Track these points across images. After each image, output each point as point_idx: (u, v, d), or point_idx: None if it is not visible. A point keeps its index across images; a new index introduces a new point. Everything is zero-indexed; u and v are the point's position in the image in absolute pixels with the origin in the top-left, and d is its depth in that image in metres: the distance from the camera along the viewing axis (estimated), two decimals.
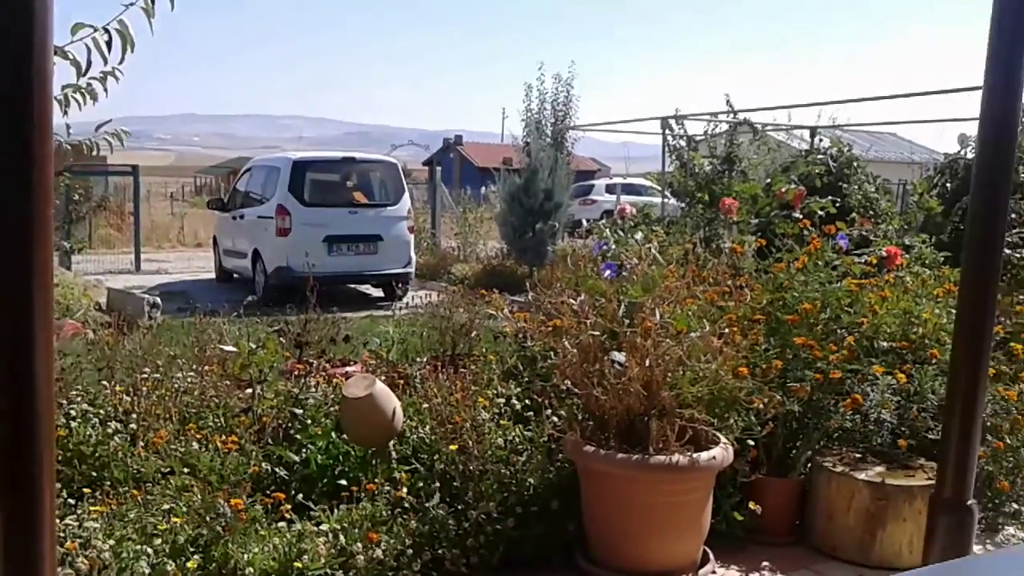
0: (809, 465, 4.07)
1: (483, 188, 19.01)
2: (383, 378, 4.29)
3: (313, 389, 4.29)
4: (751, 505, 3.76)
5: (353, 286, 12.92)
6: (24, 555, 1.17)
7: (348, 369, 5.00)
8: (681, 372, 3.58)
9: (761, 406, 3.78)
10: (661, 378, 3.49)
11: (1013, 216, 6.62)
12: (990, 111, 2.80)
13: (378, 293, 12.84)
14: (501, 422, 3.94)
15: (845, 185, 9.15)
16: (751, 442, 3.79)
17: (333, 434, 3.97)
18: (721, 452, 3.45)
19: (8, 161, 1.13)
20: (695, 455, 3.35)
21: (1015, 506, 4.20)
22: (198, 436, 3.85)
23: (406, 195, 12.55)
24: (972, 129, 6.40)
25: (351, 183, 12.54)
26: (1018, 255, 6.41)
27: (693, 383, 3.59)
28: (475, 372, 4.51)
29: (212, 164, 58.80)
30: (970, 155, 8.85)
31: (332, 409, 4.09)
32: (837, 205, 7.25)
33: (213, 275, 14.72)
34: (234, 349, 4.67)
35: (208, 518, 3.13)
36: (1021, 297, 5.77)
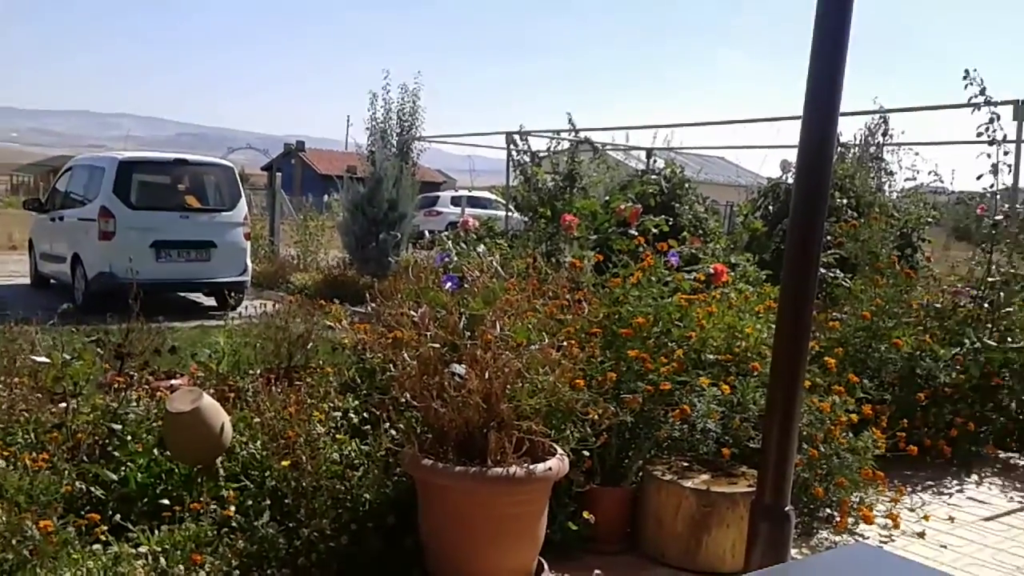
0: (640, 474, 4.19)
1: (326, 196, 18.64)
2: (212, 391, 4.10)
3: (134, 403, 4.04)
4: (585, 515, 3.83)
5: (184, 294, 12.34)
6: None
7: (174, 382, 4.75)
8: (520, 384, 3.61)
9: (596, 417, 3.87)
10: (500, 390, 3.50)
11: (828, 238, 7.11)
12: (808, 139, 2.98)
13: (211, 302, 12.30)
14: (337, 436, 3.84)
15: (677, 205, 9.56)
16: (586, 452, 3.87)
17: (156, 451, 3.75)
18: (557, 463, 3.50)
19: None
20: (532, 466, 3.38)
21: (828, 511, 4.49)
22: (5, 454, 3.54)
23: (243, 200, 12.10)
24: (793, 155, 6.85)
25: (183, 186, 11.96)
26: (832, 275, 6.88)
27: (532, 395, 3.62)
28: (311, 385, 4.38)
29: (30, 162, 54.82)
30: (791, 180, 9.47)
31: (155, 424, 3.87)
32: (670, 223, 7.56)
33: (28, 280, 13.70)
34: (46, 360, 4.33)
35: (14, 541, 2.88)
36: (834, 314, 6.21)
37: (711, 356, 4.73)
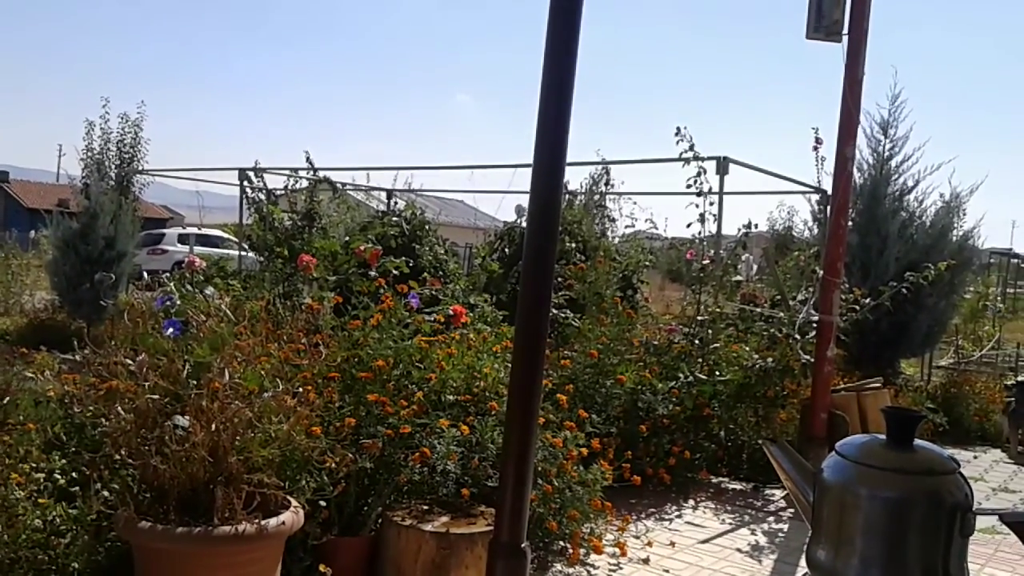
0: (380, 521, 4.11)
1: (33, 232, 16.86)
2: None
3: None
4: (321, 567, 3.67)
5: None
6: None
7: None
8: (251, 434, 3.41)
9: (334, 465, 3.74)
10: (229, 442, 3.29)
11: (558, 280, 7.48)
12: (538, 186, 3.10)
13: None
14: (39, 500, 3.42)
15: (418, 246, 9.65)
16: (323, 502, 3.73)
17: None
18: (291, 516, 3.33)
19: None
20: (264, 522, 3.19)
21: (561, 543, 4.64)
22: None
23: None
24: (527, 201, 7.16)
25: None
26: (563, 315, 7.22)
27: (264, 445, 3.44)
28: (8, 444, 3.87)
29: None
30: (524, 224, 9.89)
31: None
32: (410, 265, 7.59)
33: None
34: None
35: None
36: (565, 352, 6.51)
37: (451, 397, 4.76)
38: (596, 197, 13.58)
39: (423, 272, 8.57)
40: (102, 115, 13.23)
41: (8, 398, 4.57)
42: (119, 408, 3.43)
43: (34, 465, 3.69)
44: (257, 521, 3.17)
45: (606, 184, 14.35)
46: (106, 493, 3.45)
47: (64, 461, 3.79)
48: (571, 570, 4.51)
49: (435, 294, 6.64)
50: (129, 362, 3.63)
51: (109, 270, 11.98)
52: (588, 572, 4.53)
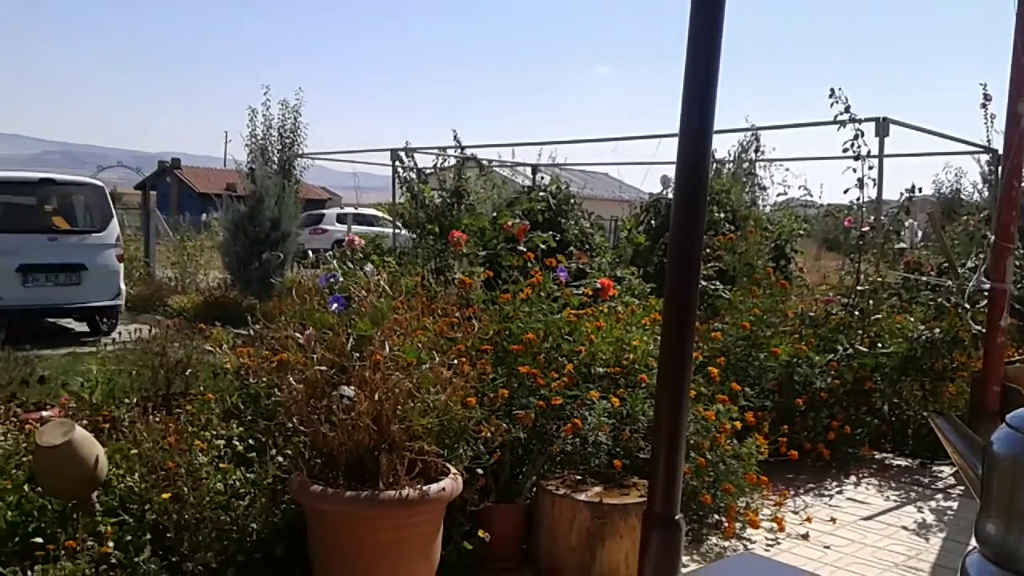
0: (534, 489, 4.20)
1: (204, 215, 18.05)
2: (85, 423, 3.88)
3: (2, 437, 3.80)
4: (480, 533, 3.80)
5: (53, 320, 11.69)
6: None
7: (44, 414, 4.47)
8: (411, 404, 3.56)
9: (489, 434, 3.86)
10: (391, 411, 3.45)
11: (707, 251, 7.34)
12: (685, 156, 3.07)
13: (82, 328, 11.70)
14: (220, 465, 3.70)
15: (564, 220, 9.69)
16: (480, 470, 3.85)
17: (26, 487, 3.52)
18: (451, 483, 3.47)
19: None
20: (425, 488, 3.34)
21: (716, 517, 4.60)
22: None
23: (114, 221, 11.58)
24: (672, 171, 7.07)
25: (50, 207, 11.36)
26: (712, 286, 7.10)
27: (423, 415, 3.58)
28: (191, 413, 4.20)
29: None
30: (670, 195, 9.75)
31: (25, 459, 3.63)
32: (557, 239, 7.65)
33: None
34: None
35: None
36: (716, 324, 6.40)
37: (600, 369, 4.79)
38: (745, 165, 13.17)
39: (569, 246, 8.62)
40: (264, 102, 13.92)
41: (190, 370, 4.97)
42: (290, 379, 3.65)
43: (214, 432, 4.00)
44: (419, 486, 3.32)
45: (756, 151, 13.89)
46: (280, 459, 3.69)
47: (241, 429, 4.08)
48: (727, 544, 4.47)
49: (582, 268, 6.68)
50: (298, 336, 3.86)
51: (275, 250, 12.69)
52: (745, 546, 4.48)
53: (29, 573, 3.01)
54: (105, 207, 11.56)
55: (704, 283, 6.88)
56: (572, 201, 10.17)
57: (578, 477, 4.27)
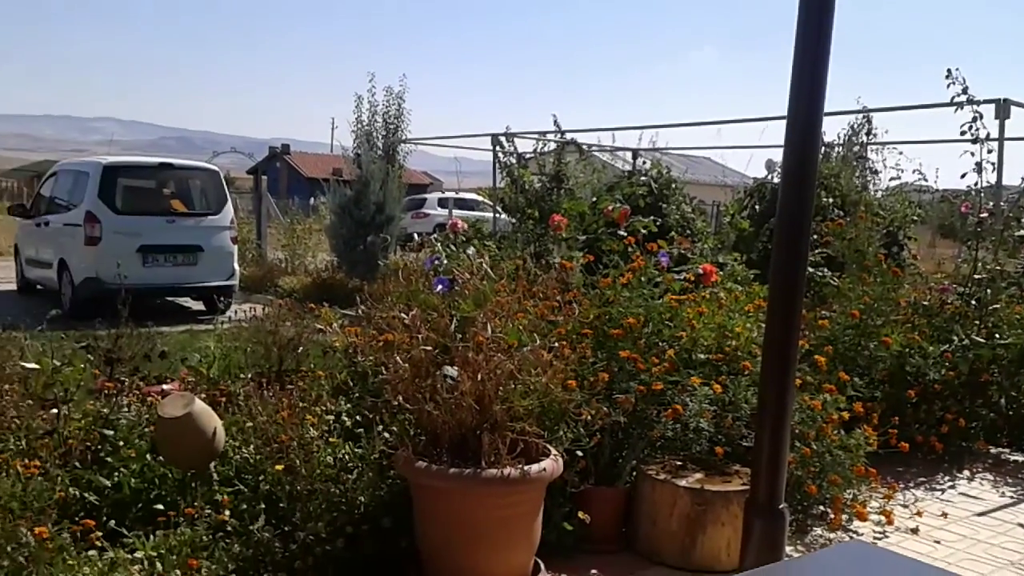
0: (634, 474, 4.21)
1: (312, 199, 18.59)
2: (203, 396, 4.08)
3: (126, 409, 4.02)
4: (580, 515, 3.84)
5: (172, 299, 12.28)
6: None
7: (165, 387, 4.72)
8: (512, 386, 3.61)
9: (589, 417, 3.88)
10: (493, 392, 3.51)
11: (814, 237, 7.15)
12: (793, 139, 3.00)
13: (199, 306, 12.26)
14: (330, 440, 3.83)
15: (665, 205, 9.58)
16: (580, 453, 3.88)
17: (148, 456, 3.73)
18: (551, 464, 3.51)
19: None
20: (526, 467, 3.38)
21: (822, 508, 4.51)
22: None
23: (229, 204, 12.06)
24: (779, 155, 6.87)
25: (168, 190, 11.92)
26: (820, 273, 6.91)
27: (524, 396, 3.63)
28: (303, 389, 4.37)
29: (13, 167, 54.39)
30: (776, 179, 9.52)
31: (147, 430, 3.85)
32: (658, 224, 7.57)
33: (14, 286, 13.60)
34: (36, 366, 4.30)
35: (9, 548, 2.86)
36: (823, 312, 6.24)
37: (702, 356, 4.74)
38: (856, 148, 12.74)
39: (671, 231, 8.52)
40: (369, 89, 14.24)
41: (301, 348, 5.15)
42: (396, 358, 3.75)
43: (324, 408, 4.14)
44: (520, 466, 3.37)
45: (867, 134, 13.40)
46: (386, 435, 3.80)
47: (349, 405, 4.22)
48: (832, 535, 4.38)
49: (684, 253, 6.61)
50: (404, 316, 3.96)
51: (379, 233, 12.99)
52: (851, 538, 4.37)
53: (151, 538, 3.19)
54: (220, 191, 12.04)
55: (811, 270, 6.70)
56: (674, 186, 10.04)
57: (678, 463, 4.25)
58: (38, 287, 12.68)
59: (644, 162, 12.29)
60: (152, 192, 11.94)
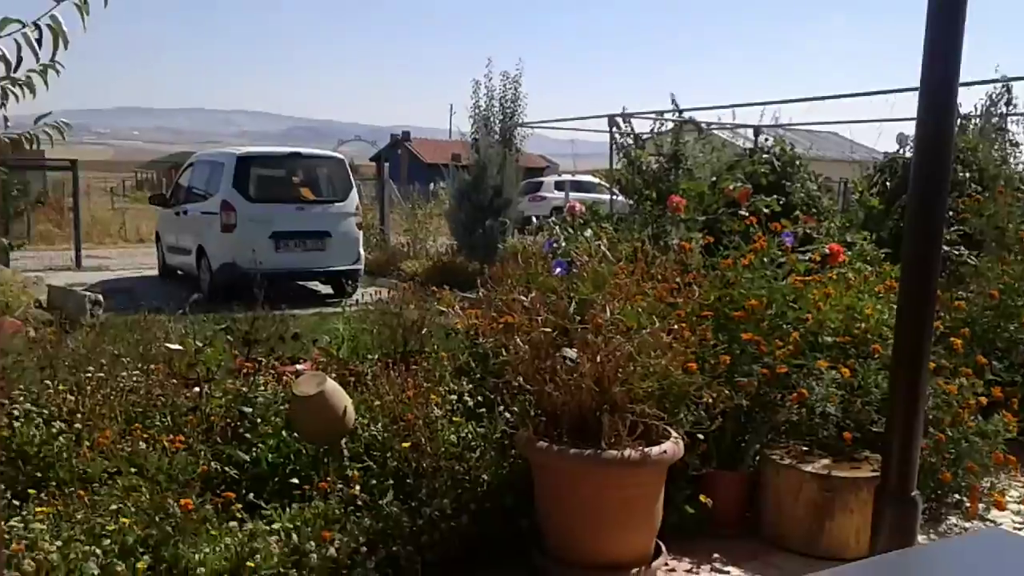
0: (758, 458, 4.14)
1: (432, 184, 18.95)
2: (334, 376, 4.26)
3: (262, 387, 4.24)
4: (702, 498, 3.81)
5: (301, 283, 12.79)
6: None
7: (298, 367, 4.95)
8: (632, 368, 3.62)
9: (710, 400, 3.84)
10: (612, 374, 3.52)
11: (950, 213, 6.81)
12: (927, 111, 2.88)
13: (327, 290, 12.72)
14: (454, 419, 3.94)
15: (788, 183, 9.30)
16: (701, 436, 3.85)
17: (284, 432, 3.92)
18: (672, 446, 3.50)
19: None
20: (647, 449, 3.39)
21: (957, 497, 4.33)
22: (145, 436, 3.78)
23: (354, 191, 12.45)
24: (910, 128, 6.57)
25: (298, 179, 12.41)
26: (956, 252, 6.59)
27: (644, 379, 3.63)
28: (427, 369, 4.50)
29: (153, 159, 57.60)
30: (908, 154, 9.09)
31: (282, 407, 4.04)
32: (781, 203, 7.37)
33: (156, 272, 14.45)
34: (180, 347, 4.59)
35: (157, 518, 3.08)
36: (960, 293, 5.95)
37: (829, 338, 4.61)
38: (995, 120, 12.02)
39: (795, 210, 8.26)
40: (486, 74, 14.42)
41: (424, 330, 5.29)
42: (516, 340, 3.82)
43: (448, 388, 4.26)
44: (641, 448, 3.38)
45: (1007, 104, 12.62)
46: (507, 415, 3.88)
47: (471, 385, 4.32)
48: (968, 524, 4.20)
49: (809, 232, 6.41)
50: (523, 299, 4.02)
51: (497, 217, 13.14)
52: (988, 527, 4.18)
53: (287, 510, 3.37)
54: (346, 178, 12.45)
55: (947, 248, 6.39)
56: (798, 163, 9.73)
57: (804, 448, 4.16)
58: (178, 272, 13.44)
59: (766, 139, 11.95)
60: (282, 180, 12.46)
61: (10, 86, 2.52)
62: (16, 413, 3.74)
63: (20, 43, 2.26)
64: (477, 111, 14.48)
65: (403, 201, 18.50)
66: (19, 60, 2.35)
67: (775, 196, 7.29)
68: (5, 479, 3.43)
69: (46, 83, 2.55)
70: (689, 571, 3.75)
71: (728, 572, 3.76)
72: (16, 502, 3.25)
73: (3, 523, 2.84)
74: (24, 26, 2.22)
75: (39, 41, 2.26)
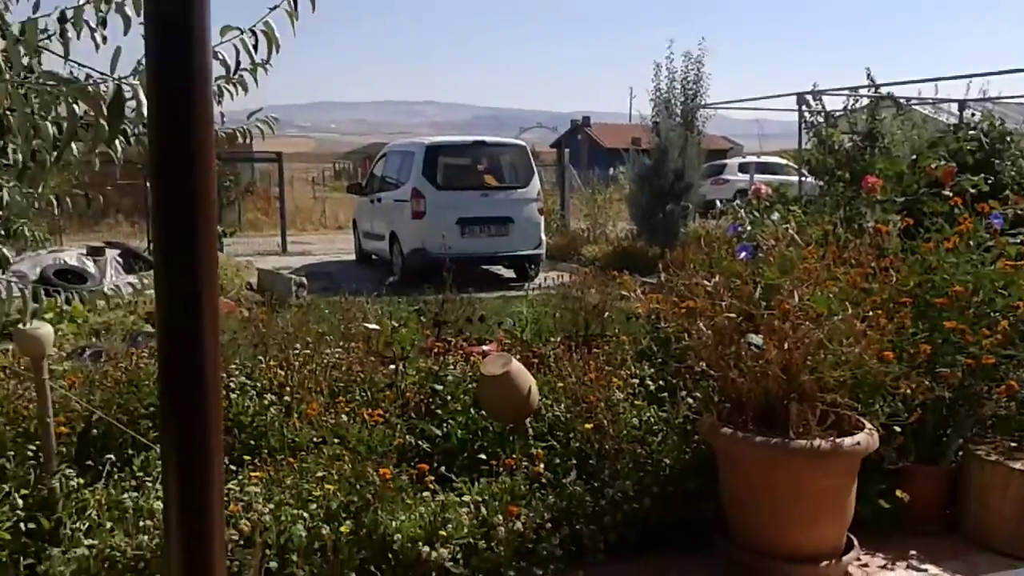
0: (960, 453, 3.91)
1: (611, 169, 18.94)
2: (518, 357, 4.38)
3: (452, 366, 4.43)
4: (898, 493, 3.64)
5: (486, 267, 13.16)
6: (199, 508, 1.29)
7: (484, 348, 5.13)
8: (822, 356, 3.50)
9: (908, 391, 3.66)
10: (801, 361, 3.43)
11: None
12: None
13: (510, 274, 13.03)
14: (635, 402, 3.96)
15: (998, 161, 8.61)
16: (897, 428, 3.67)
17: (472, 410, 4.09)
18: (865, 438, 3.37)
19: (177, 148, 1.24)
20: (838, 440, 3.28)
21: None
22: (346, 409, 4.04)
23: (535, 177, 12.66)
24: None
25: (482, 166, 12.78)
26: None
27: (835, 367, 3.50)
28: (608, 353, 4.54)
29: (349, 150, 60.76)
30: None
31: (470, 386, 4.21)
32: (989, 182, 6.86)
33: (353, 256, 15.30)
34: (377, 327, 4.87)
35: (359, 486, 3.30)
36: None
37: None
38: None
39: (1005, 190, 7.65)
40: (667, 56, 14.21)
41: (606, 313, 5.35)
42: (699, 325, 3.78)
43: (629, 371, 4.29)
44: (832, 438, 3.28)
45: None
46: (690, 400, 3.86)
47: (652, 370, 4.33)
48: None
49: (1021, 213, 5.93)
50: (706, 283, 3.98)
51: (679, 201, 12.98)
52: None
53: (476, 484, 3.52)
54: (528, 165, 12.69)
55: None
56: (1008, 139, 8.99)
57: (1013, 444, 3.88)
58: (373, 257, 14.18)
59: (973, 114, 11.11)
60: (468, 168, 12.88)
61: (225, 84, 2.79)
62: (232, 386, 4.10)
63: (238, 48, 2.49)
64: (658, 94, 14.32)
65: (583, 186, 18.61)
66: (238, 64, 2.60)
67: (983, 175, 6.80)
68: (223, 446, 3.78)
69: (256, 81, 2.80)
70: (883, 567, 3.60)
71: (926, 570, 3.58)
72: (232, 467, 3.57)
73: (222, 485, 3.14)
74: (242, 32, 2.45)
75: (255, 46, 2.49)
